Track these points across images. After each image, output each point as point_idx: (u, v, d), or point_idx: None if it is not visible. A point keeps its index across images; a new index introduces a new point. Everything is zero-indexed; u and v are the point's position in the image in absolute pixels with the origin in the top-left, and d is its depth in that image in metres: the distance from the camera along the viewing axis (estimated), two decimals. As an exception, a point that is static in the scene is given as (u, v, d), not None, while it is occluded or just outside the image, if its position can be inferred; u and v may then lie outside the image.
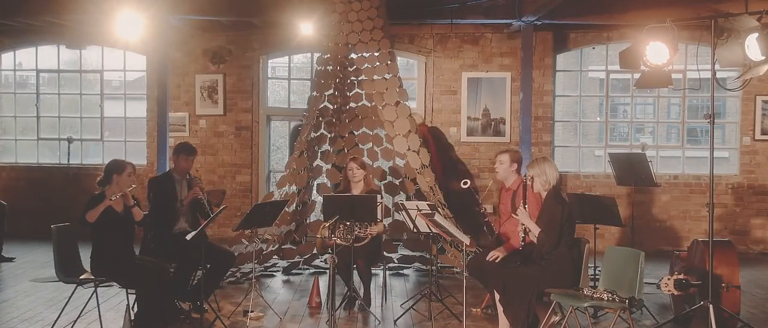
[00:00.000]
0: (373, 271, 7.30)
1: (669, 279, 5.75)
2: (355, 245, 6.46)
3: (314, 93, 8.86)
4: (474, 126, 10.71)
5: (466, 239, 5.67)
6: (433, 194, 8.34)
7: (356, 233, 6.55)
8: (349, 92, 8.80)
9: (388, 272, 7.59)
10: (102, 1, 8.88)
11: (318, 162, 8.80)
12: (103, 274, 5.73)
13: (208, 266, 6.21)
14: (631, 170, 7.80)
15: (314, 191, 8.90)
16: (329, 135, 8.77)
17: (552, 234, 5.47)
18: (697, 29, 9.81)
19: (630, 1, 9.07)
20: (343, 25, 8.65)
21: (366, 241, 6.71)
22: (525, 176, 5.74)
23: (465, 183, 6.19)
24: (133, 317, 5.79)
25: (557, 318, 5.66)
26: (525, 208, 5.65)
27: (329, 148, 8.76)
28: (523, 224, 5.65)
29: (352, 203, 6.40)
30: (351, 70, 8.75)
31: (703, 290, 5.59)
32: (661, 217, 10.57)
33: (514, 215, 5.85)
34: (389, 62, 8.66)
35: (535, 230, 5.55)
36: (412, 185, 8.57)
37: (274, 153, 11.82)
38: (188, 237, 5.74)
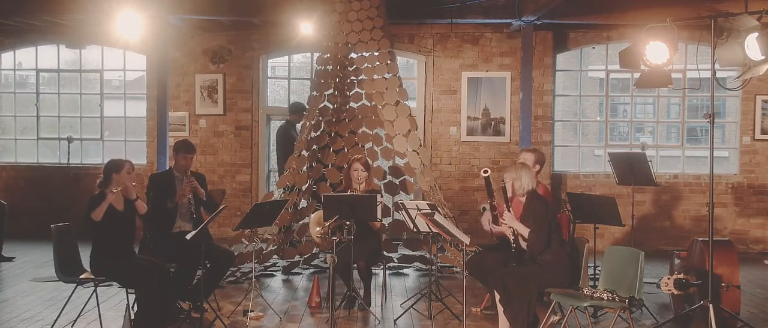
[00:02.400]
0: (373, 271, 7.29)
1: (669, 279, 5.76)
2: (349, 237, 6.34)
3: (314, 93, 8.85)
4: (474, 126, 10.71)
5: (466, 239, 5.67)
6: (433, 194, 8.33)
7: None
8: (349, 92, 8.80)
9: (388, 272, 7.59)
10: (102, 0, 8.88)
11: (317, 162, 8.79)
12: (103, 273, 5.74)
13: (208, 265, 6.21)
14: (631, 169, 7.79)
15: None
16: (329, 135, 8.76)
17: (542, 233, 5.51)
18: (697, 29, 9.81)
19: (630, 0, 9.06)
20: (343, 24, 8.65)
21: None
22: (503, 180, 5.76)
23: (485, 171, 6.16)
24: (133, 317, 5.79)
25: (557, 318, 5.67)
26: (509, 211, 5.67)
27: (329, 147, 8.75)
28: (512, 228, 5.67)
29: (352, 203, 6.39)
30: (351, 69, 8.74)
31: (703, 290, 5.60)
32: (661, 217, 10.56)
33: (501, 220, 5.82)
34: (389, 62, 8.66)
35: (524, 232, 5.58)
36: (413, 184, 8.56)
37: (274, 153, 11.80)
38: (188, 237, 5.74)
